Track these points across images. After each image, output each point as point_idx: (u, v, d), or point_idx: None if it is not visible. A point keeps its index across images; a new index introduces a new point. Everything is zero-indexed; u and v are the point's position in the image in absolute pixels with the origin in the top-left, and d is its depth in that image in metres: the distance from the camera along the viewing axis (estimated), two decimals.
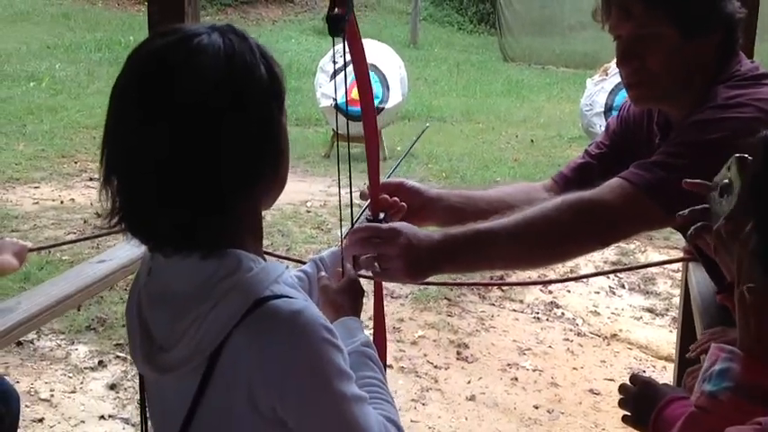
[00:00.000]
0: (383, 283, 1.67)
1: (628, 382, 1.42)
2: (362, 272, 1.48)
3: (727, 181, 1.20)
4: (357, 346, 1.29)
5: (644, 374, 1.43)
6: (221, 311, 1.08)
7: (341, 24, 1.36)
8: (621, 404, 1.41)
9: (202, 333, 1.08)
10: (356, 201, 1.72)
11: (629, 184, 1.52)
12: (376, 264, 1.44)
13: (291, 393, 1.08)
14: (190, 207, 1.06)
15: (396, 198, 1.75)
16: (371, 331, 1.61)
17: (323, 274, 1.48)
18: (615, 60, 1.69)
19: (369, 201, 1.63)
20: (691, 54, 1.60)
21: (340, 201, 1.52)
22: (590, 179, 1.65)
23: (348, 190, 1.55)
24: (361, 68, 1.60)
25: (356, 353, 1.27)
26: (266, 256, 1.20)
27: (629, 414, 1.40)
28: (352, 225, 1.60)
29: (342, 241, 1.50)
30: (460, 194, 1.85)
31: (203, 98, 1.05)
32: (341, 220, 1.48)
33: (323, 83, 8.54)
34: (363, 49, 1.60)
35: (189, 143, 1.05)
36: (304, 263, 1.58)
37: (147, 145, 1.05)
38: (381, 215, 1.66)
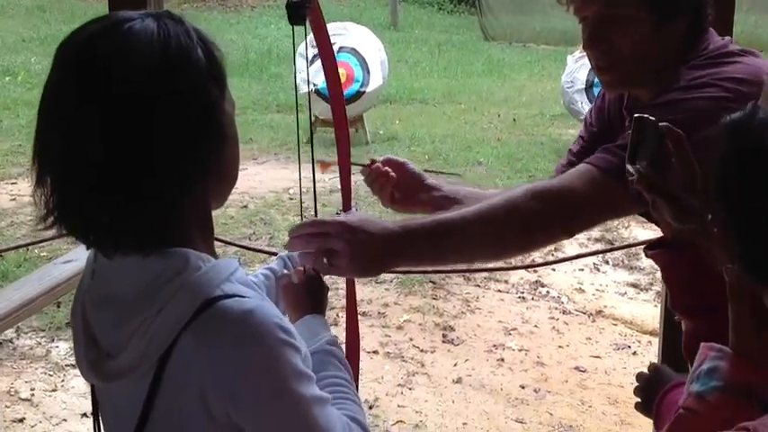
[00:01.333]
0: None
1: (645, 371, 1.41)
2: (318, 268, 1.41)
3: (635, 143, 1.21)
4: (321, 344, 1.25)
5: (663, 365, 1.41)
6: (169, 314, 1.03)
7: (301, 12, 1.31)
8: (636, 392, 1.39)
9: (150, 337, 1.04)
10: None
11: (597, 170, 1.47)
12: (324, 260, 1.37)
13: (245, 397, 1.03)
14: (125, 195, 1.02)
15: (388, 169, 1.74)
16: (344, 328, 1.57)
17: (284, 272, 1.43)
18: (582, 42, 1.64)
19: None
20: (663, 36, 1.55)
21: (301, 191, 1.48)
22: None
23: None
24: (329, 59, 1.55)
25: (321, 352, 1.23)
26: (243, 250, 1.15)
27: (639, 401, 1.39)
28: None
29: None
30: (456, 187, 1.83)
31: (138, 85, 1.01)
32: (302, 214, 1.43)
33: (302, 68, 8.46)
34: (329, 38, 1.56)
35: (124, 131, 1.00)
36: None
37: (81, 136, 1.01)
38: (354, 209, 1.62)
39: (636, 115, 1.20)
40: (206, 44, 1.08)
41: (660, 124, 1.20)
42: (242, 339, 1.02)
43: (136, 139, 1.01)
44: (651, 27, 1.53)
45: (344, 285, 1.71)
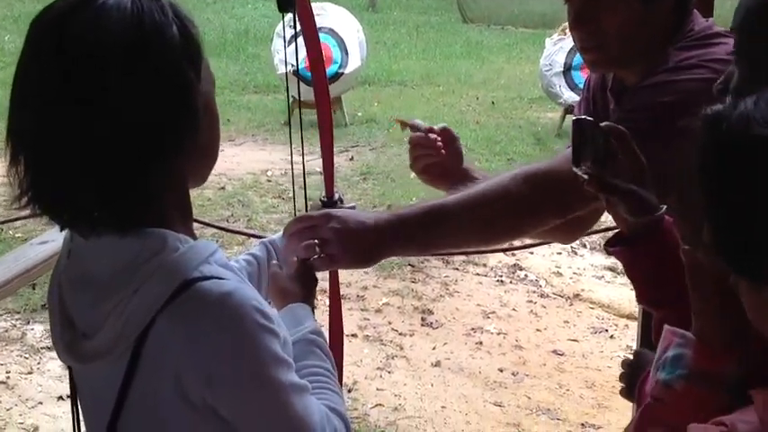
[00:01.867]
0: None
1: (630, 357, 1.42)
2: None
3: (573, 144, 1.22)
4: (304, 333, 1.23)
5: (644, 349, 1.42)
6: (145, 294, 1.02)
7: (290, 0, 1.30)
8: (620, 378, 1.40)
9: (125, 318, 1.02)
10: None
11: None
12: (317, 249, 1.36)
13: (221, 381, 1.02)
14: (99, 175, 1.00)
15: (440, 143, 1.72)
16: (323, 312, 1.56)
17: (274, 261, 1.41)
18: (568, 23, 1.63)
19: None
20: (648, 15, 1.55)
21: (289, 172, 1.46)
22: None
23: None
24: (314, 48, 1.53)
25: (303, 341, 1.22)
26: (222, 232, 1.13)
27: (624, 387, 1.39)
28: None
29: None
30: (480, 172, 1.82)
31: (110, 62, 0.98)
32: (294, 199, 1.42)
33: (280, 49, 8.39)
34: (315, 26, 1.53)
35: (96, 109, 0.98)
36: (263, 237, 1.52)
37: (53, 115, 0.99)
38: (336, 196, 1.60)
39: (573, 118, 1.21)
40: (182, 21, 1.05)
41: (602, 124, 1.21)
42: (219, 322, 1.01)
43: (108, 118, 0.98)
44: (639, 7, 1.53)
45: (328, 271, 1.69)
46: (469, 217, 1.45)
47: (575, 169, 1.20)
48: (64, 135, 0.99)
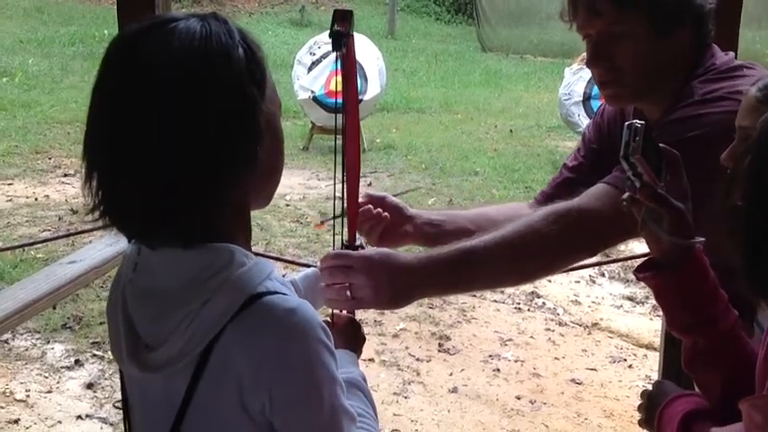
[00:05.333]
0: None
1: (650, 388, 1.43)
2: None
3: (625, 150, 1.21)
4: (350, 376, 1.26)
5: (665, 380, 1.42)
6: (214, 307, 1.05)
7: (344, 40, 1.35)
8: (639, 408, 1.41)
9: (193, 330, 1.05)
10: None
11: (615, 189, 1.47)
12: (348, 293, 1.38)
13: (280, 394, 1.04)
14: (170, 191, 1.03)
15: (379, 210, 1.74)
16: None
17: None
18: (586, 60, 1.65)
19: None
20: (663, 49, 1.57)
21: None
22: (573, 194, 1.58)
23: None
24: (352, 89, 1.54)
25: (348, 382, 1.23)
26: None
27: (643, 417, 1.40)
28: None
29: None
30: (439, 212, 1.84)
31: (178, 81, 1.02)
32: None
33: (300, 75, 8.48)
34: (355, 66, 1.55)
35: (166, 127, 1.02)
36: (284, 260, 1.53)
37: (125, 133, 1.03)
38: (359, 241, 1.60)
39: (626, 123, 1.21)
40: (248, 44, 1.09)
41: (660, 145, 1.22)
42: (284, 335, 1.04)
43: (175, 135, 1.02)
44: (651, 40, 1.55)
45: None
46: (501, 258, 1.46)
47: (622, 161, 1.20)
48: (132, 153, 1.03)
